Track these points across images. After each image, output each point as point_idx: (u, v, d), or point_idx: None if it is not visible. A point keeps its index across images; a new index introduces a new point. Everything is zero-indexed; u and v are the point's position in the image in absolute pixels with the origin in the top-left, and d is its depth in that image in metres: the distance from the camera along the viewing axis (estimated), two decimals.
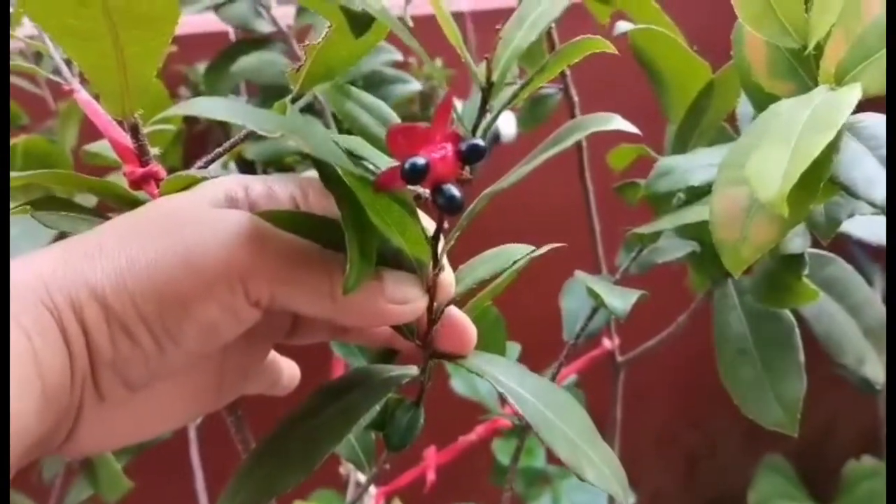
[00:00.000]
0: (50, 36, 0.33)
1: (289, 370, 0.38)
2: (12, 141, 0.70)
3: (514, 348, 0.68)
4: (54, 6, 0.27)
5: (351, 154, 0.28)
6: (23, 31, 0.60)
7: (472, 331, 0.33)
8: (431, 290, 0.31)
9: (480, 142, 0.26)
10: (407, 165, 0.25)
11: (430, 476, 0.54)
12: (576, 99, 0.58)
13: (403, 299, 0.30)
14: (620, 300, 0.37)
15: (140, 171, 0.32)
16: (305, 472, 0.30)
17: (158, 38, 0.29)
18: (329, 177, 0.28)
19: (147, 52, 0.29)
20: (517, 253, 0.33)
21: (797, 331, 0.44)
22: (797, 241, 0.41)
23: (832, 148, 0.30)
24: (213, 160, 0.35)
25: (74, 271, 0.27)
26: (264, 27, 0.74)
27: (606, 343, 0.64)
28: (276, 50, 0.74)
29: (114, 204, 0.33)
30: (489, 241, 0.34)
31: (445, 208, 0.26)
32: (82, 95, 0.35)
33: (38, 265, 0.27)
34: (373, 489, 0.61)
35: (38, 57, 0.79)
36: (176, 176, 0.32)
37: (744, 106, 0.49)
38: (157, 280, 0.27)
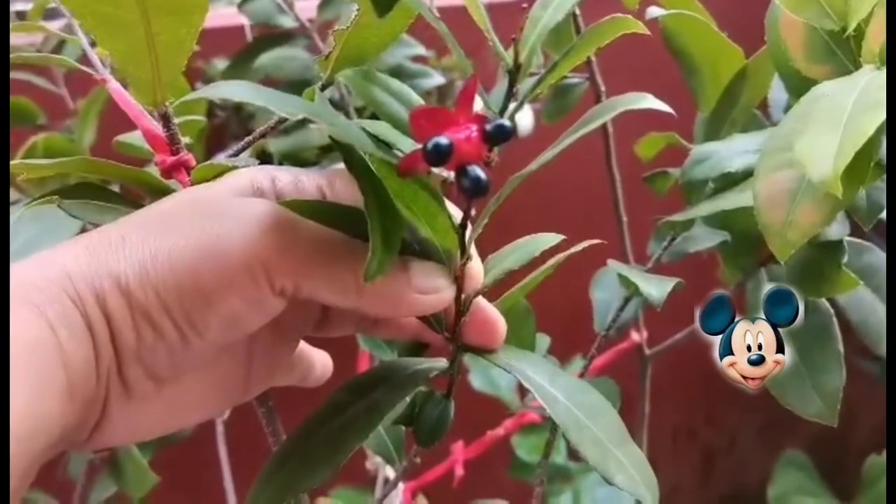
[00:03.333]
0: (81, 24, 0.33)
1: (321, 361, 0.37)
2: (32, 138, 0.71)
3: (543, 340, 0.67)
4: None
5: (377, 139, 0.28)
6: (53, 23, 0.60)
7: (501, 323, 0.32)
8: (459, 279, 0.30)
9: (507, 122, 0.25)
10: (430, 146, 0.24)
11: (459, 471, 0.54)
12: (602, 88, 0.57)
13: (430, 289, 0.29)
14: (656, 288, 0.37)
15: (171, 160, 0.32)
16: (330, 469, 0.30)
17: (189, 27, 0.29)
18: (354, 163, 0.28)
19: (178, 41, 0.29)
20: (546, 242, 0.32)
21: (835, 320, 0.43)
22: (836, 227, 0.40)
23: (881, 129, 0.29)
24: (241, 151, 0.34)
25: (98, 262, 0.27)
26: (286, 22, 0.74)
27: (634, 336, 0.63)
28: (298, 45, 0.73)
29: (145, 193, 0.33)
30: (516, 234, 0.34)
31: (471, 190, 0.25)
32: (114, 85, 0.35)
33: (62, 257, 0.27)
34: (400, 485, 0.61)
35: (58, 48, 0.79)
36: (207, 164, 0.31)
37: (776, 92, 0.48)
38: (180, 270, 0.27)
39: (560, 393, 0.30)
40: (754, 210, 0.32)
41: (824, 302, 0.44)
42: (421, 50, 0.67)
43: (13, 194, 0.54)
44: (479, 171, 0.25)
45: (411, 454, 0.45)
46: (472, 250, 0.31)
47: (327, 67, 0.32)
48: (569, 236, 0.33)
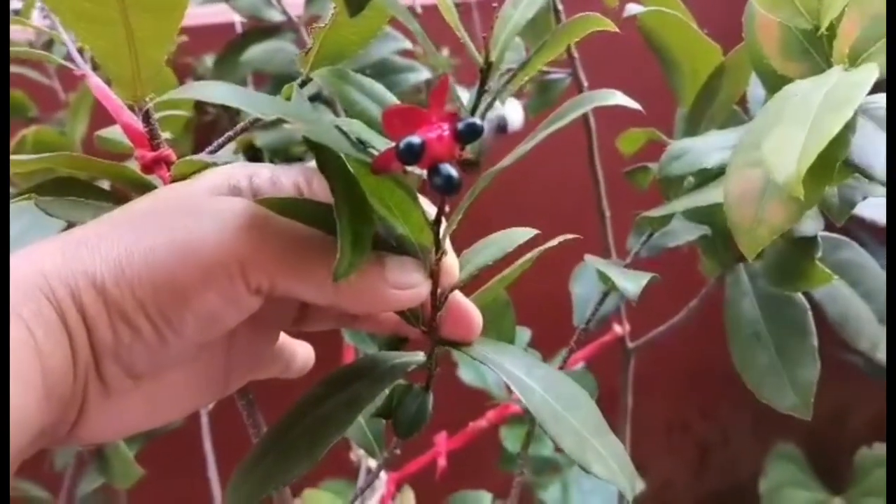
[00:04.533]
0: (61, 21, 0.33)
1: (303, 353, 0.37)
2: (22, 132, 0.70)
3: (523, 334, 0.68)
4: None
5: (352, 139, 0.28)
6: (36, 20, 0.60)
7: (476, 317, 0.33)
8: (435, 274, 0.31)
9: (477, 120, 0.26)
10: (402, 145, 0.25)
11: (442, 462, 0.54)
12: (585, 84, 0.57)
13: (406, 284, 0.30)
14: (632, 283, 0.37)
15: (151, 155, 0.33)
16: (310, 462, 0.30)
17: (168, 23, 0.29)
18: (325, 162, 0.28)
19: (158, 36, 0.29)
20: (520, 237, 0.33)
21: (810, 315, 0.44)
22: (810, 223, 0.41)
23: (848, 129, 0.29)
24: (221, 146, 0.35)
25: (74, 261, 0.27)
26: (274, 16, 0.74)
27: (617, 329, 0.63)
28: (286, 39, 0.73)
29: (126, 188, 0.33)
30: (496, 228, 0.34)
31: (443, 188, 0.26)
32: (94, 80, 0.35)
33: (38, 257, 0.27)
34: (384, 475, 0.62)
35: (48, 46, 0.78)
36: (186, 160, 0.32)
37: (755, 88, 0.48)
38: (155, 268, 0.27)
39: (537, 384, 0.31)
40: (724, 207, 0.32)
41: (800, 296, 0.45)
42: (407, 44, 0.67)
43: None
44: (450, 170, 0.26)
45: (391, 446, 0.45)
46: (448, 246, 0.31)
47: (307, 64, 0.32)
48: (552, 231, 0.33)
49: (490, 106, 0.28)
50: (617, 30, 0.28)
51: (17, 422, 0.25)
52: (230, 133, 0.35)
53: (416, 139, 0.25)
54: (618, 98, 0.27)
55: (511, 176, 0.29)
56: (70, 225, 0.32)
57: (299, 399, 0.33)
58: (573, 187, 0.82)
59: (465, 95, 0.31)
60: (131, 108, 0.33)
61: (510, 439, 0.78)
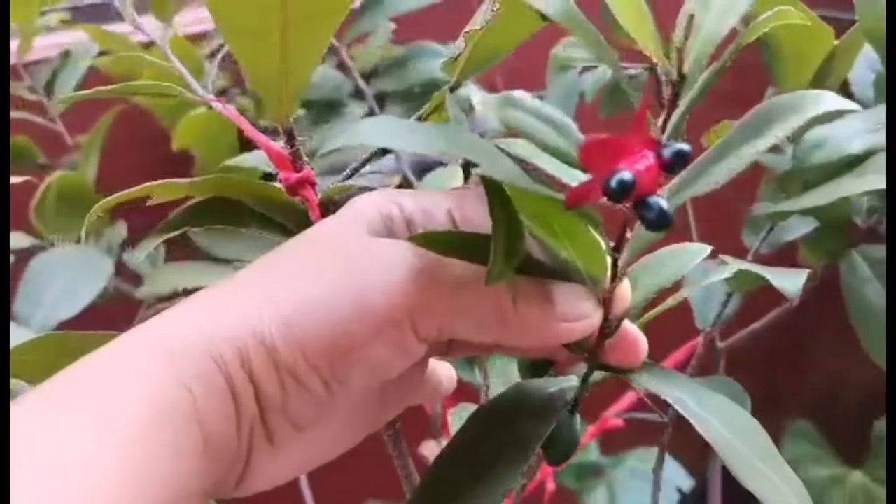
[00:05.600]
0: (221, 33, 0.33)
1: (447, 374, 0.36)
2: (47, 180, 0.70)
3: None
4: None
5: (527, 170, 0.26)
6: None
7: (644, 344, 0.31)
8: (607, 302, 0.29)
9: (685, 146, 0.24)
10: (614, 183, 0.23)
11: (550, 486, 0.52)
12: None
13: (577, 315, 0.28)
14: (790, 282, 0.35)
15: (296, 177, 0.32)
16: None
17: (323, 33, 0.29)
18: (491, 189, 0.26)
19: (310, 50, 0.29)
20: (696, 254, 0.31)
21: None
22: None
23: None
24: (356, 171, 0.34)
25: (239, 320, 0.26)
26: None
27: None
28: (329, 63, 0.71)
29: (271, 211, 0.33)
30: None
31: (655, 224, 0.24)
32: (228, 109, 0.35)
33: (199, 316, 0.27)
34: None
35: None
36: (337, 186, 0.31)
37: (860, 70, 0.47)
38: (326, 326, 0.26)
39: (710, 414, 0.29)
40: None
41: None
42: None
43: None
44: (661, 203, 0.24)
45: None
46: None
47: (456, 70, 0.31)
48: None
49: (681, 123, 0.26)
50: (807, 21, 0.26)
51: (177, 493, 0.24)
52: (363, 159, 0.34)
53: (627, 174, 0.23)
54: (830, 101, 0.24)
55: None
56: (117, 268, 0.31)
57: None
58: None
59: (476, 95, 0.29)
60: (271, 130, 0.33)
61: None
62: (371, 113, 0.61)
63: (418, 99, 0.57)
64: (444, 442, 0.47)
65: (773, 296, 0.52)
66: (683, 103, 0.26)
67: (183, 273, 0.58)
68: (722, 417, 0.29)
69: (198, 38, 0.67)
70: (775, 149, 0.52)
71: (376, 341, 0.27)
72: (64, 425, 0.24)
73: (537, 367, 0.34)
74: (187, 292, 0.51)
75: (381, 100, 0.59)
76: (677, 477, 0.78)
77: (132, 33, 0.44)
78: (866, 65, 0.44)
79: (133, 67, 0.51)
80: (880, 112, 0.36)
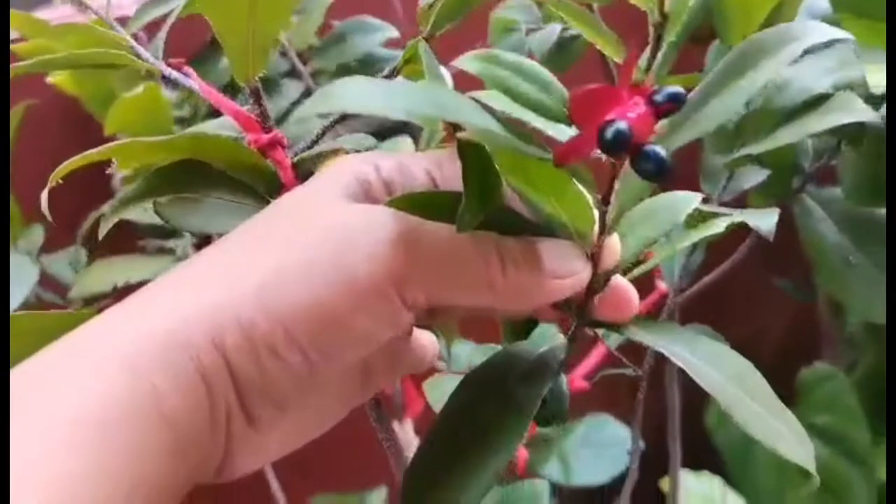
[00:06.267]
0: None
1: (430, 343, 0.35)
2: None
3: None
4: None
5: (511, 128, 0.25)
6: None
7: (635, 297, 0.30)
8: (596, 257, 0.28)
9: (679, 88, 0.23)
10: (609, 135, 0.22)
11: (522, 452, 0.52)
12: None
13: (566, 272, 0.28)
14: (763, 220, 0.35)
15: (266, 138, 0.31)
16: (486, 485, 0.28)
17: None
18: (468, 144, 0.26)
19: (278, 9, 0.28)
20: (687, 202, 0.30)
21: None
22: None
23: None
24: (321, 136, 0.33)
25: (210, 300, 0.25)
26: None
27: (661, 284, 0.61)
28: None
29: (241, 174, 0.32)
30: None
31: (654, 173, 0.23)
32: (186, 72, 0.34)
33: (168, 299, 0.26)
34: None
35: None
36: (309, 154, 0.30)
37: (802, 18, 0.47)
38: (308, 298, 0.25)
39: (706, 363, 0.28)
40: None
41: (880, 212, 0.44)
42: (394, 32, 0.62)
43: None
44: (659, 151, 0.23)
45: None
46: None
47: (428, 19, 0.30)
48: None
49: (665, 63, 0.25)
50: None
51: (144, 494, 0.23)
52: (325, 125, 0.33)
53: (622, 125, 0.22)
54: (823, 31, 0.24)
55: None
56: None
57: (446, 410, 0.30)
58: None
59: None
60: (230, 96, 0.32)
61: None
62: (308, 91, 0.59)
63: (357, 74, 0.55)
64: (407, 423, 0.46)
65: (719, 252, 0.53)
66: (667, 43, 0.25)
67: (116, 268, 0.54)
68: (718, 366, 0.28)
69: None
70: None
71: (360, 311, 0.26)
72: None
73: (522, 328, 0.34)
74: (127, 288, 0.49)
75: (318, 78, 0.57)
76: (626, 439, 0.79)
77: (70, 17, 0.41)
78: (809, 13, 0.44)
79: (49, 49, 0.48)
80: (839, 51, 0.36)
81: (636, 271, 0.31)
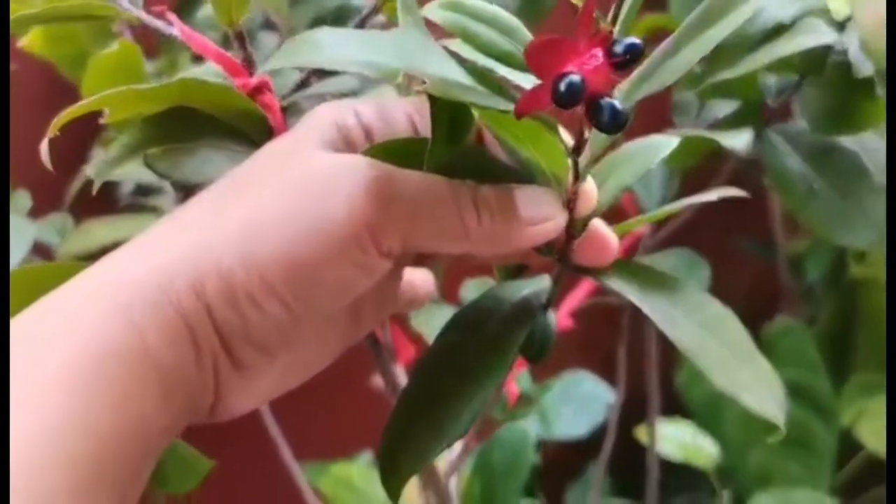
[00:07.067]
0: None
1: (423, 281, 0.36)
2: None
3: None
4: None
5: (482, 78, 0.26)
6: None
7: (614, 243, 0.31)
8: (571, 202, 0.29)
9: (637, 40, 0.23)
10: (562, 87, 0.23)
11: (514, 389, 0.53)
12: None
13: (541, 217, 0.28)
14: (736, 139, 0.35)
15: (253, 82, 0.31)
16: (466, 423, 0.29)
17: None
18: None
19: None
20: (663, 146, 0.30)
21: (861, 155, 0.44)
22: (867, 63, 0.40)
23: None
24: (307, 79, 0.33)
25: (191, 248, 0.26)
26: None
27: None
28: None
29: (231, 120, 0.31)
30: None
31: (609, 125, 0.24)
32: (167, 17, 0.33)
33: (149, 248, 0.27)
34: None
35: None
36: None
37: None
38: (283, 247, 0.26)
39: (679, 312, 0.29)
40: (863, 43, 0.32)
41: (844, 142, 0.46)
42: None
43: None
44: (614, 103, 0.23)
45: None
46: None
47: None
48: None
49: (631, 15, 0.26)
50: None
51: (133, 430, 0.24)
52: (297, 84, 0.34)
53: (575, 77, 0.23)
54: None
55: None
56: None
57: (430, 350, 0.31)
58: None
59: None
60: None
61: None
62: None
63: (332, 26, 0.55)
64: (399, 369, 0.47)
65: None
66: None
67: (102, 228, 0.54)
68: (691, 314, 0.29)
69: None
70: None
71: (337, 259, 0.26)
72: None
73: (511, 273, 0.35)
74: (115, 246, 0.49)
75: (294, 29, 0.57)
76: (604, 394, 0.81)
77: None
78: None
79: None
80: None
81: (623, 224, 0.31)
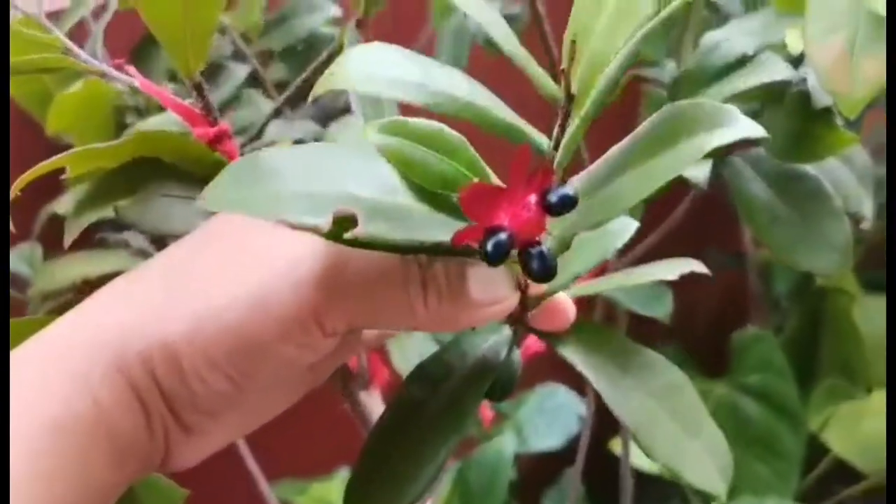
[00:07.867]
0: None
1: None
2: None
3: None
4: None
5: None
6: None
7: (569, 311, 0.31)
8: (525, 283, 0.29)
9: (570, 190, 0.23)
10: (490, 247, 0.23)
11: (487, 413, 0.54)
12: (545, 18, 0.52)
13: (492, 300, 0.28)
14: (696, 170, 0.36)
15: (213, 131, 0.32)
16: (422, 486, 0.29)
17: None
18: None
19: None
20: (623, 231, 0.30)
21: (822, 180, 0.45)
22: (824, 95, 0.41)
23: None
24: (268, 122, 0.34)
25: (141, 323, 0.27)
26: None
27: None
28: None
29: (192, 167, 0.32)
30: None
31: (539, 274, 0.24)
32: (126, 70, 0.34)
33: (103, 316, 0.28)
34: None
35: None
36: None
37: None
38: (229, 329, 0.27)
39: (630, 380, 0.29)
40: (818, 80, 0.33)
41: (807, 168, 0.47)
42: (335, 10, 0.62)
43: None
44: (545, 253, 0.24)
45: None
46: None
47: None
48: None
49: (573, 142, 0.26)
50: None
51: (89, 496, 0.26)
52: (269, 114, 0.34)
53: (502, 236, 0.23)
54: (744, 125, 0.25)
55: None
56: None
57: (392, 406, 0.31)
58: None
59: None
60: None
61: None
62: (255, 74, 0.59)
63: (303, 55, 0.56)
64: (374, 392, 0.47)
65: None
66: (575, 123, 0.25)
67: (75, 264, 0.54)
68: (647, 382, 0.28)
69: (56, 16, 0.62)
70: (652, 63, 0.55)
71: (281, 341, 0.27)
72: None
73: None
74: (87, 285, 0.49)
75: (264, 59, 0.57)
76: (577, 405, 0.82)
77: None
78: None
79: None
80: (762, 15, 0.39)
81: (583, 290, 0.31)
